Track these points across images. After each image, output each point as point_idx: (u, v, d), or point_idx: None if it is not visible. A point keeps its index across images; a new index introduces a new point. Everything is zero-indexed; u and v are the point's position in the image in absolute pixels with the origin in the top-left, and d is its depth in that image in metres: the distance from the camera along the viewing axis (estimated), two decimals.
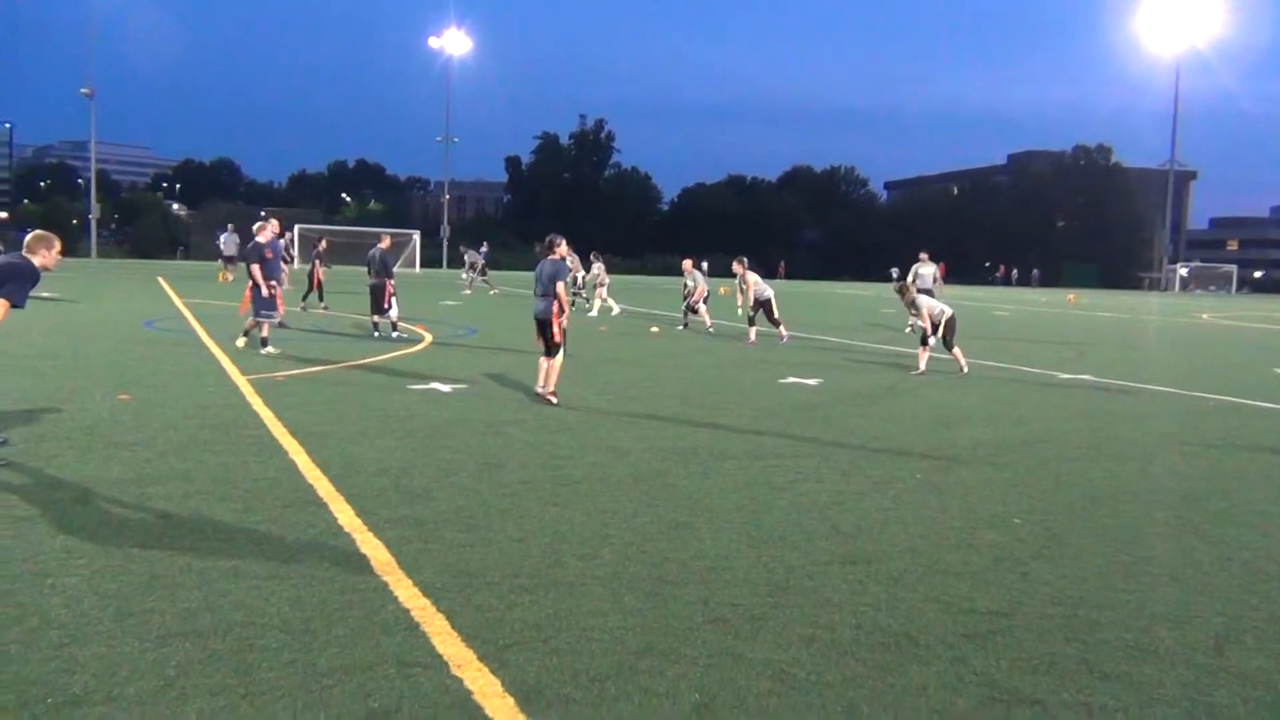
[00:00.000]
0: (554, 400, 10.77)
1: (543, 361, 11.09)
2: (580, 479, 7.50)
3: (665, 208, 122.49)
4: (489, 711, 3.72)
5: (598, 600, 4.92)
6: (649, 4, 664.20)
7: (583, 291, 28.39)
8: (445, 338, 18.82)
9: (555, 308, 10.74)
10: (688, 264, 23.65)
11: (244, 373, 12.43)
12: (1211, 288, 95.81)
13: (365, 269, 18.85)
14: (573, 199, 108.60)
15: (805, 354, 18.01)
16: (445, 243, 76.07)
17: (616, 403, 11.20)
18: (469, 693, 3.86)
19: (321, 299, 24.22)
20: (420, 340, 17.90)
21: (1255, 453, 9.75)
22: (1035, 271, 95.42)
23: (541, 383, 11.06)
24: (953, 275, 24.52)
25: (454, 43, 79.35)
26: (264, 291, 14.66)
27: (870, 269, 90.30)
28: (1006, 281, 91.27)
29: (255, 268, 14.77)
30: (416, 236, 65.98)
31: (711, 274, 26.69)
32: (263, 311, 14.83)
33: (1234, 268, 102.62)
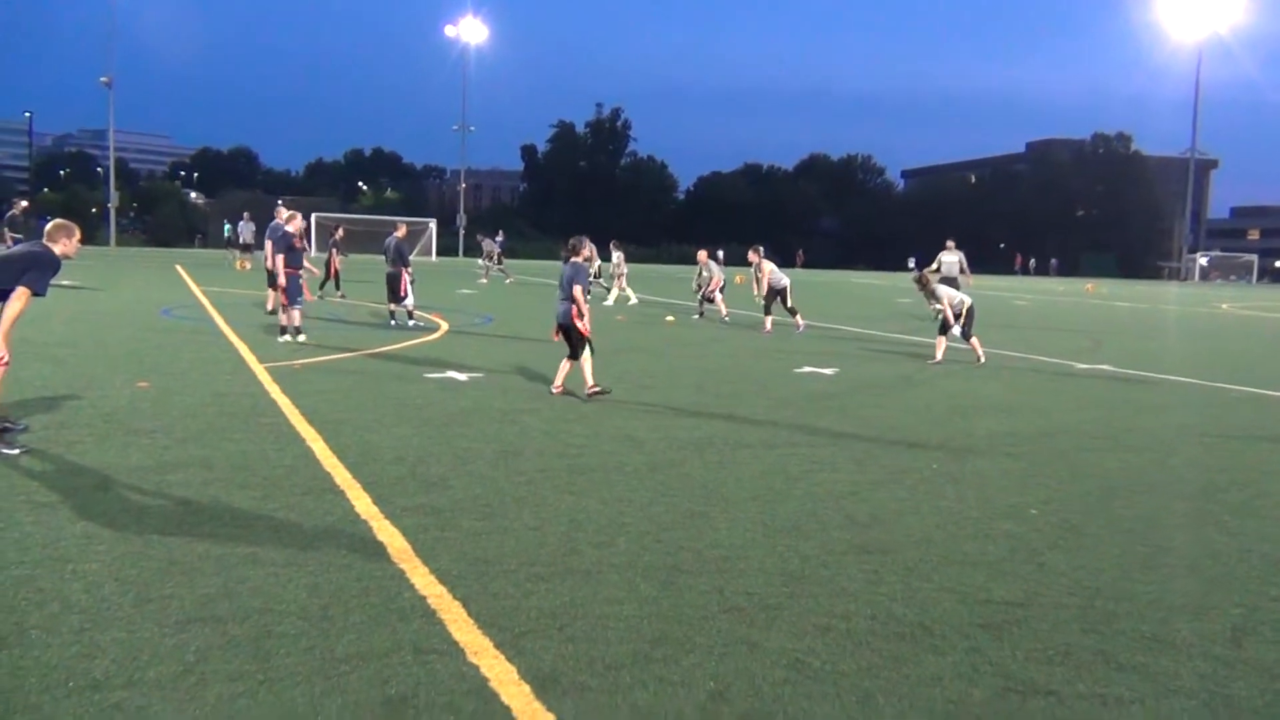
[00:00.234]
0: (597, 390, 10.48)
1: (565, 362, 10.82)
2: (596, 467, 7.52)
3: (681, 196, 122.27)
4: (504, 698, 3.74)
5: (613, 589, 4.94)
6: None
7: (601, 280, 28.38)
8: (461, 326, 18.86)
9: (575, 311, 10.53)
10: (703, 255, 23.62)
11: (261, 361, 12.50)
12: (1232, 277, 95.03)
13: (382, 257, 18.91)
14: (589, 188, 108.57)
15: (821, 343, 17.97)
16: (461, 231, 76.17)
17: (632, 392, 11.20)
18: (485, 680, 3.88)
19: (338, 287, 24.30)
20: (437, 329, 17.95)
21: (1276, 444, 9.68)
22: (1053, 261, 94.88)
23: (559, 382, 10.84)
24: (971, 265, 24.41)
25: (471, 31, 79.35)
26: (280, 279, 14.71)
27: (887, 258, 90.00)
28: (1025, 271, 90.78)
29: (280, 257, 14.82)
30: (433, 225, 66.10)
31: (727, 263, 26.64)
32: (298, 300, 14.89)
33: (1255, 257, 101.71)
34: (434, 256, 63.61)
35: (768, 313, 20.13)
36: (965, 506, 6.80)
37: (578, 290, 10.55)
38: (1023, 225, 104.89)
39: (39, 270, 7.32)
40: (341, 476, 6.92)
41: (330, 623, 4.36)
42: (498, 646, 4.18)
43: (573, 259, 10.85)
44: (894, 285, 49.45)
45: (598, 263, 29.23)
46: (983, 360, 15.15)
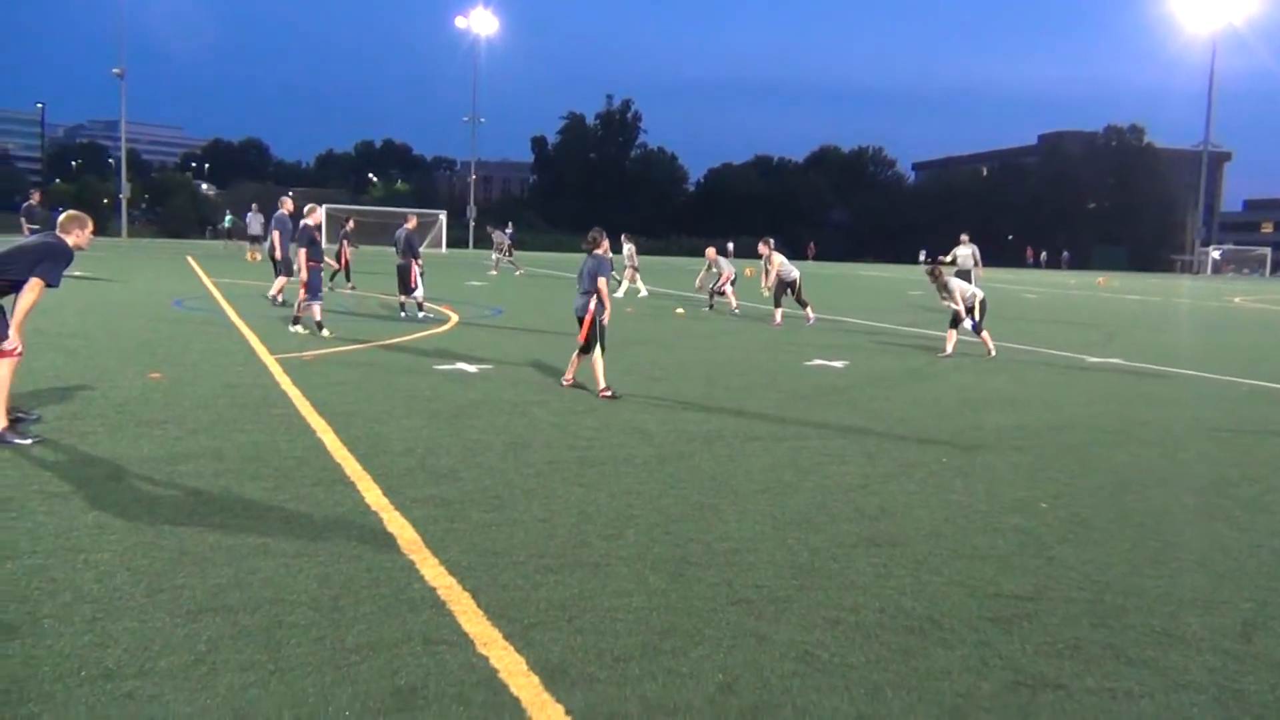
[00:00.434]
0: (608, 393, 10.16)
1: (576, 356, 10.72)
2: (605, 460, 7.53)
3: (692, 188, 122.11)
4: (514, 690, 3.75)
5: (622, 581, 4.95)
6: None
7: (614, 272, 28.37)
8: (471, 318, 18.88)
9: (594, 304, 10.33)
10: (711, 252, 23.55)
11: (272, 352, 12.54)
12: (1245, 270, 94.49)
13: (392, 249, 18.94)
14: (599, 180, 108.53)
15: (831, 336, 17.94)
16: (471, 223, 76.20)
17: (642, 384, 11.20)
18: (494, 671, 3.89)
19: (349, 279, 24.37)
20: (447, 321, 17.98)
21: None
22: (1065, 254, 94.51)
23: (569, 374, 10.82)
24: (982, 258, 24.53)
25: (481, 23, 79.30)
26: (303, 274, 14.75)
27: (898, 250, 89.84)
28: (1036, 264, 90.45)
29: (303, 250, 14.85)
30: (443, 217, 66.15)
31: (738, 255, 26.61)
32: (320, 294, 14.91)
33: (1268, 250, 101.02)
34: (444, 248, 63.68)
35: (778, 305, 20.11)
36: (975, 500, 6.79)
37: (602, 283, 10.38)
38: (1034, 218, 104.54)
39: (52, 261, 7.35)
40: (352, 468, 6.94)
41: (340, 613, 4.38)
42: (507, 638, 4.20)
43: (595, 251, 10.64)
44: (904, 278, 49.34)
45: (610, 254, 29.23)
46: (993, 353, 15.11)
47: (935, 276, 15.43)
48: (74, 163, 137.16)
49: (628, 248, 27.78)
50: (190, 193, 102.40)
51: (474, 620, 4.37)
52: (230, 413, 8.71)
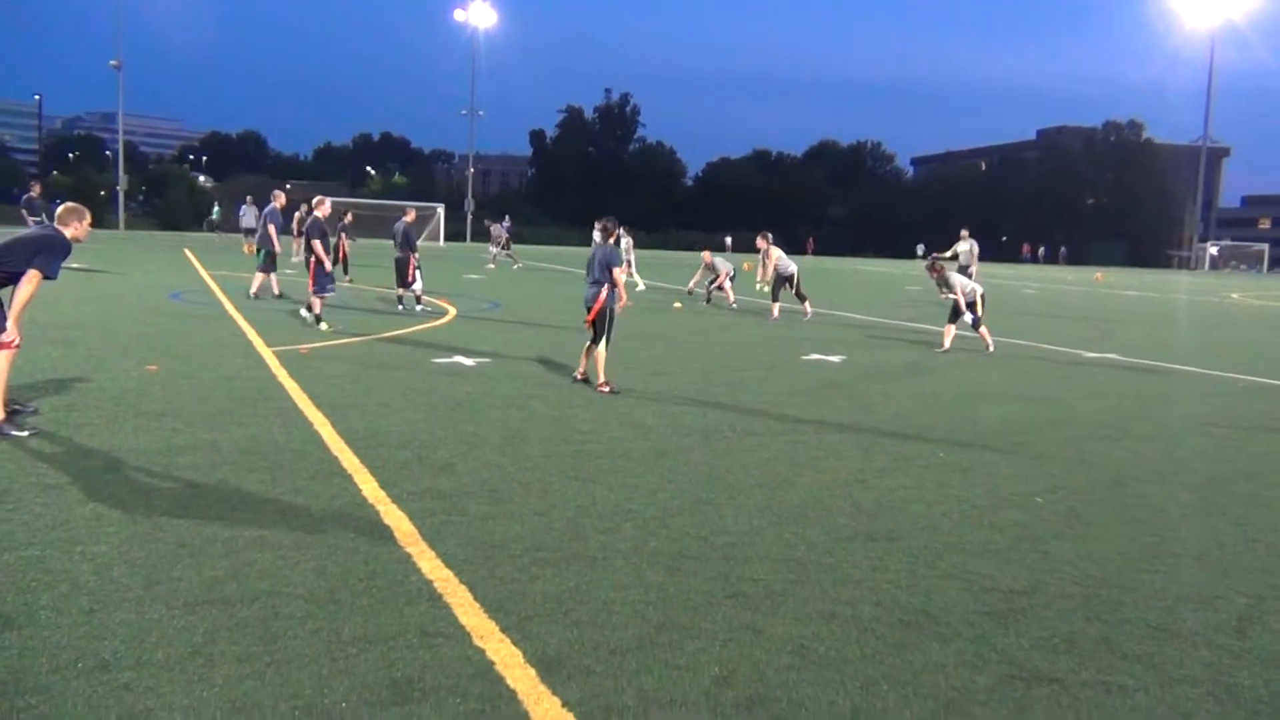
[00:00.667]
0: (607, 388, 10.10)
1: (587, 350, 10.58)
2: (603, 454, 7.53)
3: (690, 182, 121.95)
4: (510, 682, 3.76)
5: (619, 574, 4.95)
6: None
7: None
8: (469, 311, 18.88)
9: (604, 294, 10.18)
10: (706, 255, 23.40)
11: (270, 344, 12.53)
12: (1242, 266, 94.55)
13: (390, 242, 18.92)
14: (597, 173, 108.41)
15: (829, 331, 17.95)
16: (469, 216, 76.13)
17: (639, 378, 11.20)
18: (491, 663, 3.90)
19: (346, 272, 24.33)
20: (444, 314, 17.97)
21: None
22: (1063, 249, 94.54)
23: (583, 369, 10.68)
24: (981, 253, 24.69)
25: (479, 15, 79.06)
26: (326, 266, 14.75)
27: (896, 246, 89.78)
28: (1034, 259, 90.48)
29: (317, 243, 14.83)
30: (441, 210, 66.03)
31: (736, 250, 26.57)
32: (328, 288, 14.86)
33: (1266, 246, 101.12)
34: (442, 242, 63.60)
35: (775, 300, 20.11)
36: (971, 495, 6.80)
37: (618, 273, 10.24)
38: (1033, 213, 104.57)
39: (50, 253, 7.34)
40: (349, 460, 6.94)
41: (337, 605, 4.39)
42: (504, 630, 4.20)
43: (609, 241, 10.49)
44: (903, 273, 49.34)
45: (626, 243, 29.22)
46: (991, 348, 15.12)
47: (937, 272, 15.42)
48: (71, 155, 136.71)
49: (625, 241, 27.72)
50: (188, 185, 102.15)
51: (471, 613, 4.38)
52: (228, 405, 8.71)
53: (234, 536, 5.24)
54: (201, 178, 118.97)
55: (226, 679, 3.68)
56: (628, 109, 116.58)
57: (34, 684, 3.60)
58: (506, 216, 43.78)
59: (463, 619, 4.31)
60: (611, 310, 10.31)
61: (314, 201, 16.04)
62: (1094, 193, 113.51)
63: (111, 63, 67.01)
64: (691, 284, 23.14)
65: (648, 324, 18.01)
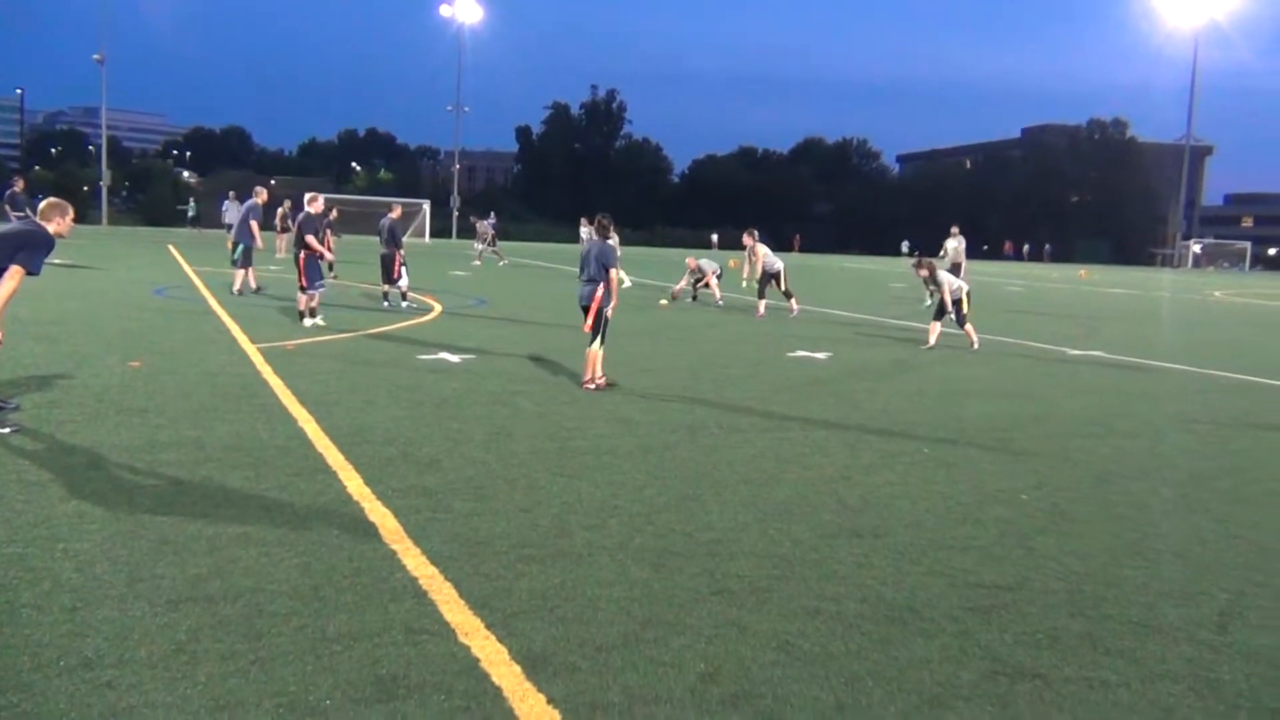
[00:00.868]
0: (593, 386, 10.03)
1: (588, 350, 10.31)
2: (588, 450, 7.53)
3: (676, 179, 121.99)
4: (495, 679, 3.75)
5: (604, 571, 4.95)
6: None
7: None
8: (455, 308, 18.84)
9: (600, 292, 10.04)
10: (691, 262, 23.25)
11: (254, 341, 12.48)
12: (1225, 265, 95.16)
13: (375, 238, 18.86)
14: (583, 170, 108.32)
15: (815, 328, 17.98)
16: (455, 213, 75.96)
17: (625, 375, 11.19)
18: (476, 660, 3.90)
19: (331, 268, 24.20)
20: (430, 310, 17.93)
21: (1266, 431, 9.73)
22: (1047, 246, 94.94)
23: (589, 374, 10.37)
24: (966, 251, 24.91)
25: (465, 11, 78.85)
26: (327, 257, 14.68)
27: (882, 243, 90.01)
28: (1017, 257, 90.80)
29: (311, 238, 14.77)
30: (426, 206, 65.90)
31: (722, 246, 26.49)
32: (318, 283, 14.79)
33: (1248, 244, 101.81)
34: (427, 238, 63.44)
35: (761, 297, 20.13)
36: (956, 491, 6.83)
37: (614, 273, 10.09)
38: (1018, 211, 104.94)
39: (33, 249, 7.29)
40: (333, 457, 6.92)
41: (322, 603, 4.37)
42: (489, 627, 4.20)
43: (607, 239, 10.33)
44: (888, 270, 49.47)
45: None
46: (976, 346, 15.18)
47: (924, 269, 15.45)
48: (54, 150, 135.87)
49: (612, 238, 27.65)
50: (171, 180, 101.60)
51: (456, 610, 4.37)
52: (211, 401, 8.67)
53: (218, 533, 5.22)
54: (185, 173, 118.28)
55: (210, 677, 3.67)
56: (614, 105, 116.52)
57: (15, 682, 3.57)
58: (492, 213, 43.65)
59: (447, 616, 4.30)
60: (603, 312, 10.14)
61: (307, 198, 16.00)
62: (1078, 191, 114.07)
63: (95, 57, 66.56)
64: (677, 289, 22.84)
65: (634, 321, 18.00)
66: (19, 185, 25.31)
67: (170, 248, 36.73)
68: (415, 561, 4.94)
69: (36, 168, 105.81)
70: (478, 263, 36.42)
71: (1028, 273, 57.83)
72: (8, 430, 7.16)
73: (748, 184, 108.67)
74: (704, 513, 6.05)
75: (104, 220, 66.99)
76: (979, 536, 5.83)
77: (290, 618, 4.20)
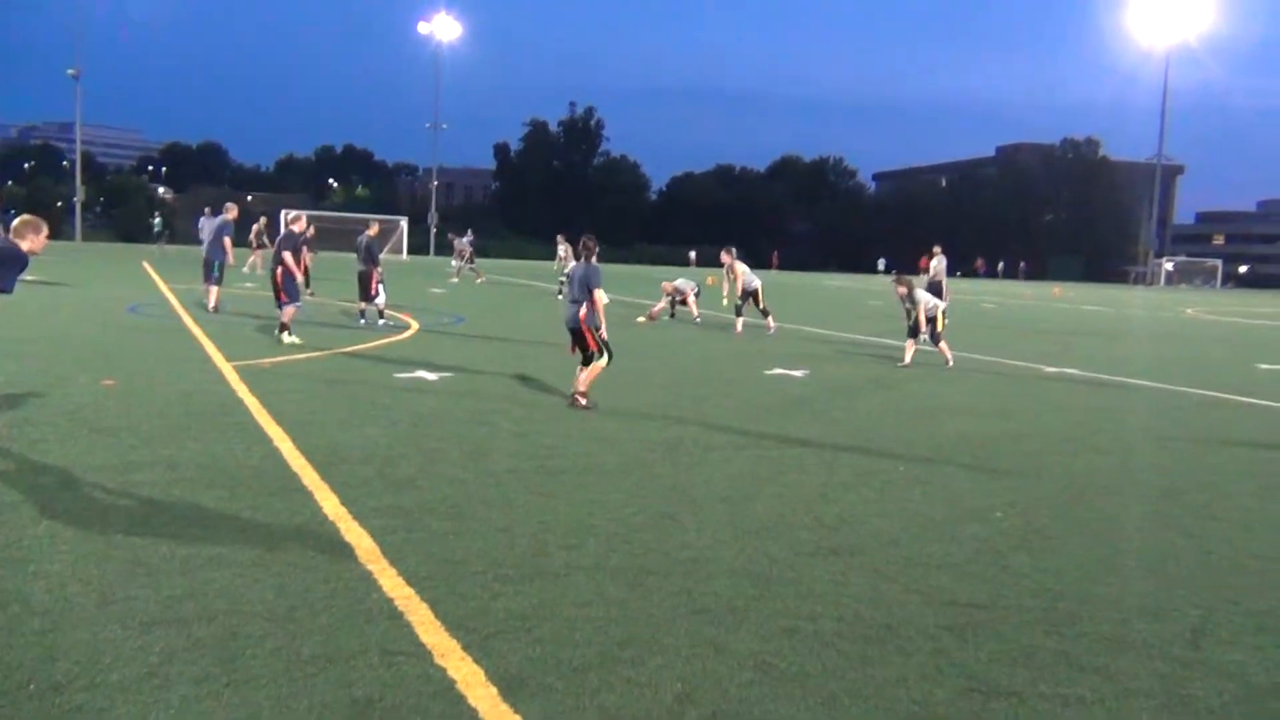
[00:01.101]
0: (582, 403, 9.98)
1: (580, 370, 10.34)
2: (566, 469, 7.52)
3: (654, 196, 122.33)
4: (471, 701, 3.74)
5: (582, 591, 4.94)
6: None
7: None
8: (432, 325, 18.79)
9: (584, 312, 10.00)
10: (666, 286, 23.24)
11: (229, 359, 12.40)
12: (1197, 282, 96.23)
13: (352, 255, 18.82)
14: (562, 187, 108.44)
15: (792, 345, 18.04)
16: (433, 230, 75.89)
17: (603, 393, 11.18)
18: (452, 682, 3.88)
19: (308, 285, 24.11)
20: (407, 328, 17.88)
21: (1237, 448, 9.83)
22: (1022, 264, 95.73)
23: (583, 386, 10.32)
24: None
25: (444, 28, 79.02)
26: (296, 279, 14.65)
27: (859, 260, 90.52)
28: (990, 274, 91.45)
29: (288, 255, 14.70)
30: (404, 223, 65.82)
31: (700, 264, 26.52)
32: (297, 298, 14.71)
33: (1219, 262, 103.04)
34: (405, 255, 63.33)
35: (739, 314, 20.20)
36: (932, 509, 6.86)
37: (598, 294, 10.02)
38: (992, 228, 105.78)
39: (6, 267, 7.23)
40: (309, 477, 6.88)
41: (297, 624, 4.34)
42: (465, 648, 4.18)
43: (591, 259, 10.27)
44: (865, 288, 49.73)
45: (572, 262, 29.22)
46: (951, 363, 15.28)
47: (905, 286, 15.51)
48: (27, 165, 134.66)
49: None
50: (146, 196, 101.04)
51: (432, 631, 4.35)
52: (185, 421, 8.61)
53: (191, 555, 5.17)
54: (160, 189, 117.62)
55: (183, 700, 3.63)
56: (592, 123, 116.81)
57: None
58: (470, 230, 43.66)
59: (424, 637, 4.28)
60: (595, 327, 10.07)
61: (290, 217, 16.02)
62: (1052, 209, 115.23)
63: (69, 71, 66.25)
64: (656, 309, 22.75)
65: (612, 338, 17.96)
66: None
67: (145, 264, 36.47)
68: (391, 582, 4.91)
69: (10, 183, 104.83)
70: (455, 280, 36.37)
71: (1002, 290, 58.28)
72: None
73: (725, 202, 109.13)
74: (681, 531, 6.05)
75: (78, 236, 66.53)
76: (954, 554, 5.86)
77: (265, 640, 4.17)
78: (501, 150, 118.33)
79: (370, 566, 5.13)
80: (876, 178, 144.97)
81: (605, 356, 10.11)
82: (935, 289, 23.01)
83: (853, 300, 37.53)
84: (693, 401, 11.03)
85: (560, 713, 3.68)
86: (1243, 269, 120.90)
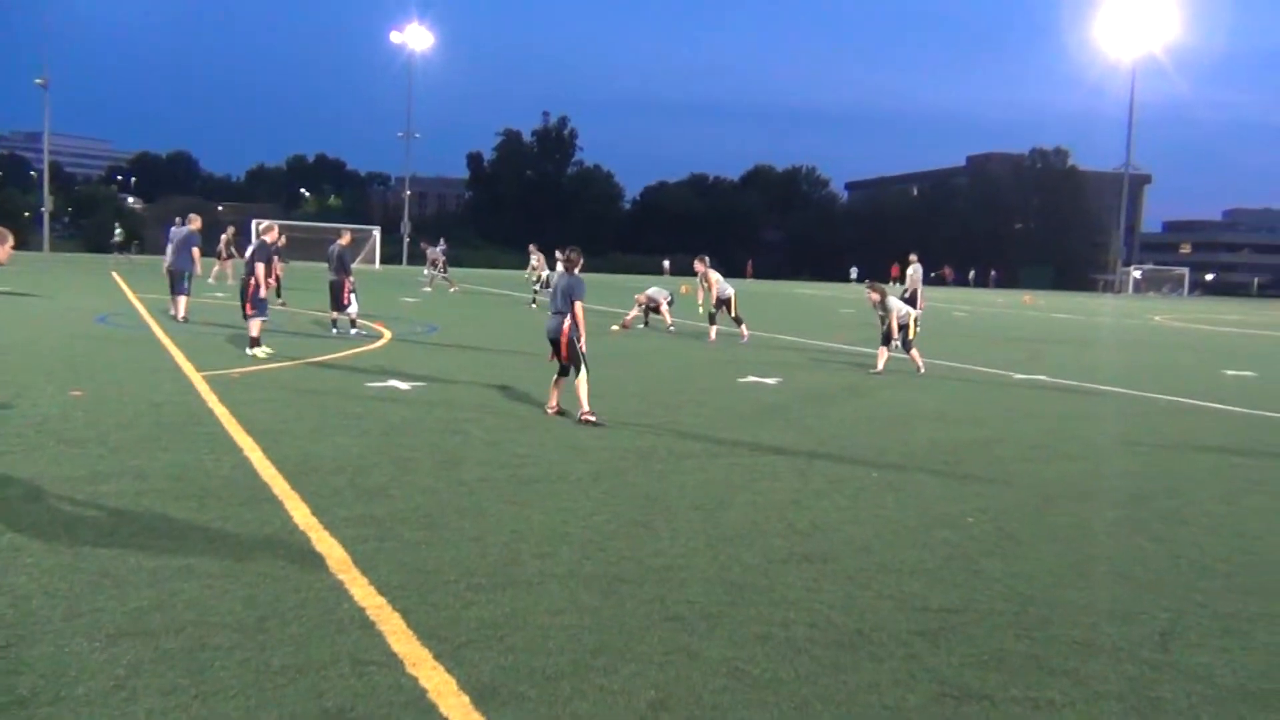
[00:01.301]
0: (594, 419, 9.77)
1: (556, 382, 10.35)
2: (539, 478, 7.50)
3: (628, 206, 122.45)
4: (443, 710, 3.71)
5: (555, 599, 4.93)
6: (613, 1, 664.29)
7: (550, 290, 28.22)
8: (405, 335, 18.71)
9: (568, 324, 9.96)
10: (640, 298, 23.21)
11: (199, 369, 12.29)
12: (1164, 290, 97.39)
13: (325, 265, 18.73)
14: (535, 196, 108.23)
15: (765, 353, 18.09)
16: (406, 239, 75.61)
17: (576, 401, 11.18)
18: (424, 691, 3.85)
19: (279, 295, 24.00)
20: (379, 337, 17.79)
21: (1204, 453, 9.94)
22: (993, 273, 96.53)
23: (553, 402, 10.37)
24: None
25: (416, 38, 78.82)
26: (262, 291, 14.54)
27: (832, 269, 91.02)
28: (960, 282, 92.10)
29: (260, 266, 14.59)
30: (377, 233, 65.54)
31: (674, 273, 26.53)
32: (265, 310, 14.57)
33: (1186, 270, 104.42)
34: (378, 264, 63.06)
35: (713, 322, 20.25)
36: (904, 515, 6.89)
37: (578, 306, 9.97)
38: (963, 237, 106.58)
39: None
40: (280, 487, 6.83)
41: (267, 635, 4.30)
42: (437, 658, 4.16)
43: (574, 271, 10.21)
44: (838, 296, 49.96)
45: (545, 271, 29.23)
46: (923, 371, 15.37)
47: (876, 292, 15.58)
48: None
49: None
50: (115, 206, 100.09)
51: (404, 640, 4.32)
52: (154, 431, 8.52)
53: (160, 566, 5.12)
54: (130, 199, 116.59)
55: (150, 713, 3.59)
56: (565, 132, 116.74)
57: None
58: (443, 239, 43.50)
59: (395, 647, 4.25)
60: (574, 341, 10.00)
61: (262, 227, 15.93)
62: (1022, 218, 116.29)
63: (37, 80, 65.57)
64: (629, 317, 22.72)
65: (586, 346, 17.98)
66: None
67: (114, 274, 36.13)
68: (363, 592, 4.88)
69: None
70: (428, 289, 36.25)
71: (973, 298, 58.73)
72: None
73: (699, 211, 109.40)
74: (655, 539, 6.05)
75: (45, 247, 65.78)
76: (926, 560, 5.89)
77: (234, 651, 4.13)
78: (475, 160, 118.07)
79: (341, 576, 5.10)
80: (849, 187, 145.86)
81: (583, 372, 10.02)
82: (911, 298, 23.15)
83: (826, 308, 37.70)
84: (666, 409, 11.03)
85: None
86: (1209, 277, 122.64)
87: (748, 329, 20.47)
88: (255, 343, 14.28)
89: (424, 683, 3.92)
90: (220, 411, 9.53)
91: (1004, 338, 26.13)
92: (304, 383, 11.83)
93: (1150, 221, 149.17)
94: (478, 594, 4.93)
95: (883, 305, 15.41)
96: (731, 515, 6.67)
